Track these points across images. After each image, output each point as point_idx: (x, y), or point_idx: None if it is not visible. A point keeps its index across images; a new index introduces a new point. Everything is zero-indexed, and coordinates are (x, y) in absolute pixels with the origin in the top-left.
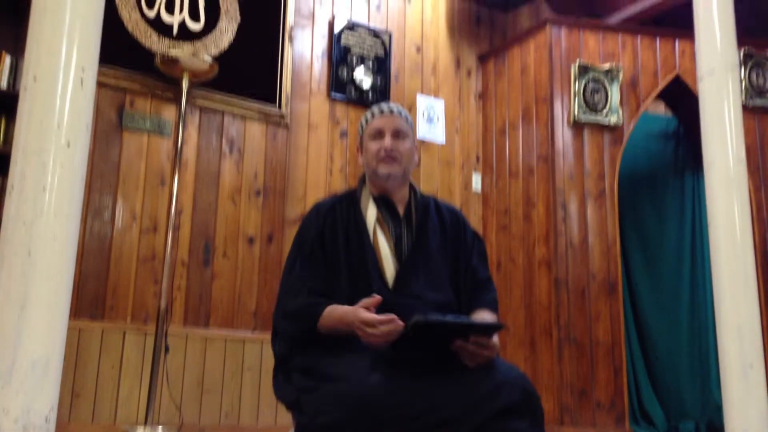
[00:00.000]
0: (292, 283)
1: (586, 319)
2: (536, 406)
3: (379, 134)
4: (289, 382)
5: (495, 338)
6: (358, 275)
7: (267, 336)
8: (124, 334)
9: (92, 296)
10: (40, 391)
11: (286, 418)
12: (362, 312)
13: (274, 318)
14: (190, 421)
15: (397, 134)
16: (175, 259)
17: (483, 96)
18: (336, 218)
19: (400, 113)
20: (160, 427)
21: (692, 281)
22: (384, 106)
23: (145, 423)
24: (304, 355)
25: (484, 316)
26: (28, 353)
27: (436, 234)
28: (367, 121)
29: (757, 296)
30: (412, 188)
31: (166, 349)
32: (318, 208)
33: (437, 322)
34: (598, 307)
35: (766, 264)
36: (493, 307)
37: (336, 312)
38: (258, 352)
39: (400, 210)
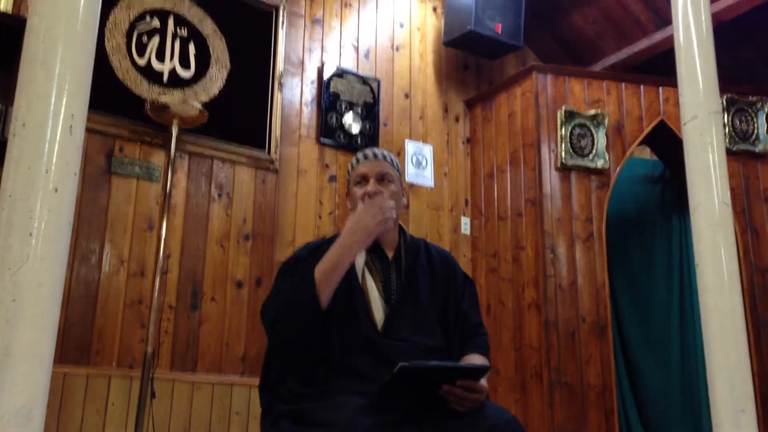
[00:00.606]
0: (273, 290)
1: (577, 362)
2: None
3: (363, 179)
4: (277, 426)
5: (483, 381)
6: (346, 318)
7: (255, 380)
8: (110, 379)
9: (78, 341)
10: None
11: None
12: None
13: (268, 326)
14: None
15: (382, 178)
16: (162, 304)
17: (471, 141)
18: (320, 257)
19: (384, 157)
20: None
21: (682, 323)
22: (368, 151)
23: None
24: (291, 402)
25: (475, 360)
26: (11, 401)
27: (426, 277)
28: (352, 167)
29: (747, 339)
30: (402, 231)
31: (153, 395)
32: (307, 245)
33: (422, 367)
34: (589, 350)
35: (755, 307)
36: (485, 351)
37: (325, 256)
38: (246, 396)
39: (389, 253)
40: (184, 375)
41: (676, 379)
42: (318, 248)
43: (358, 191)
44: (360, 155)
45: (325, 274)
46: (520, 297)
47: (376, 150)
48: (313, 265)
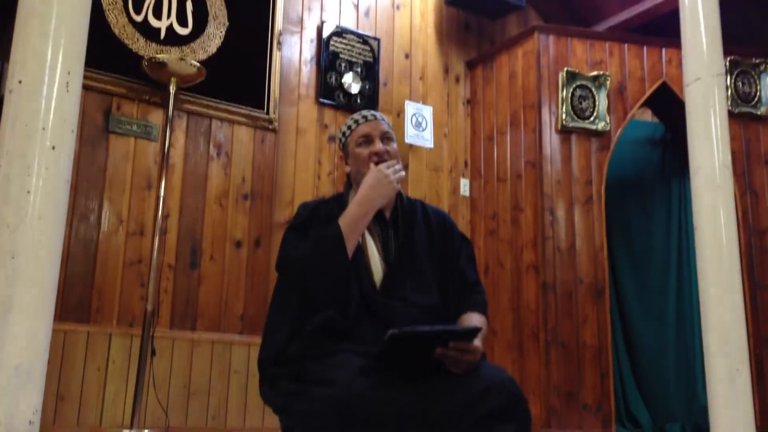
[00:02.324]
0: (290, 244)
1: (574, 323)
2: (523, 409)
3: (367, 140)
4: (276, 388)
5: (477, 342)
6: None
7: (254, 339)
8: (110, 337)
9: (78, 299)
10: (24, 395)
11: (273, 420)
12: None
13: (294, 275)
14: (176, 424)
15: (385, 137)
16: (161, 263)
17: (471, 102)
18: (322, 216)
19: (383, 118)
20: (147, 430)
21: (678, 286)
22: (366, 113)
23: (131, 426)
24: (290, 362)
25: (472, 318)
26: (11, 357)
27: (423, 237)
28: (350, 128)
29: (743, 301)
30: (398, 193)
31: (153, 352)
32: (305, 204)
33: (411, 333)
34: (586, 311)
35: (752, 269)
36: (482, 309)
37: (346, 211)
38: (245, 354)
39: (387, 214)
40: (183, 333)
41: (671, 339)
42: (317, 208)
43: (363, 151)
44: (358, 116)
45: (349, 225)
46: (518, 259)
47: (373, 111)
48: (313, 224)
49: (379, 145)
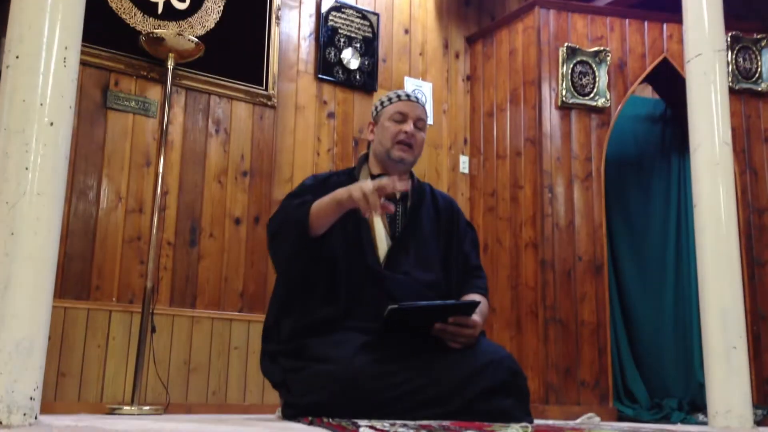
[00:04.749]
0: (280, 209)
1: (572, 300)
2: (522, 384)
3: (402, 118)
4: (276, 363)
5: (476, 317)
6: (351, 249)
7: (254, 315)
8: (110, 314)
9: (77, 276)
10: (25, 371)
11: (273, 396)
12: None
13: (269, 239)
14: (177, 400)
15: (418, 123)
16: (161, 240)
17: (471, 78)
18: (331, 186)
19: (423, 104)
20: (147, 406)
21: (677, 263)
22: (410, 92)
23: (132, 402)
24: (291, 339)
25: (473, 298)
26: (12, 334)
27: (430, 218)
28: (390, 100)
29: (741, 279)
30: (411, 175)
31: (153, 329)
32: (315, 176)
33: (411, 307)
34: (584, 289)
35: (750, 247)
36: (484, 292)
37: (328, 195)
38: (245, 331)
39: (397, 193)
40: (183, 310)
41: (669, 317)
42: (327, 179)
43: (393, 127)
44: (402, 93)
45: (319, 209)
46: (517, 236)
47: (417, 94)
48: (318, 194)
49: (410, 126)
